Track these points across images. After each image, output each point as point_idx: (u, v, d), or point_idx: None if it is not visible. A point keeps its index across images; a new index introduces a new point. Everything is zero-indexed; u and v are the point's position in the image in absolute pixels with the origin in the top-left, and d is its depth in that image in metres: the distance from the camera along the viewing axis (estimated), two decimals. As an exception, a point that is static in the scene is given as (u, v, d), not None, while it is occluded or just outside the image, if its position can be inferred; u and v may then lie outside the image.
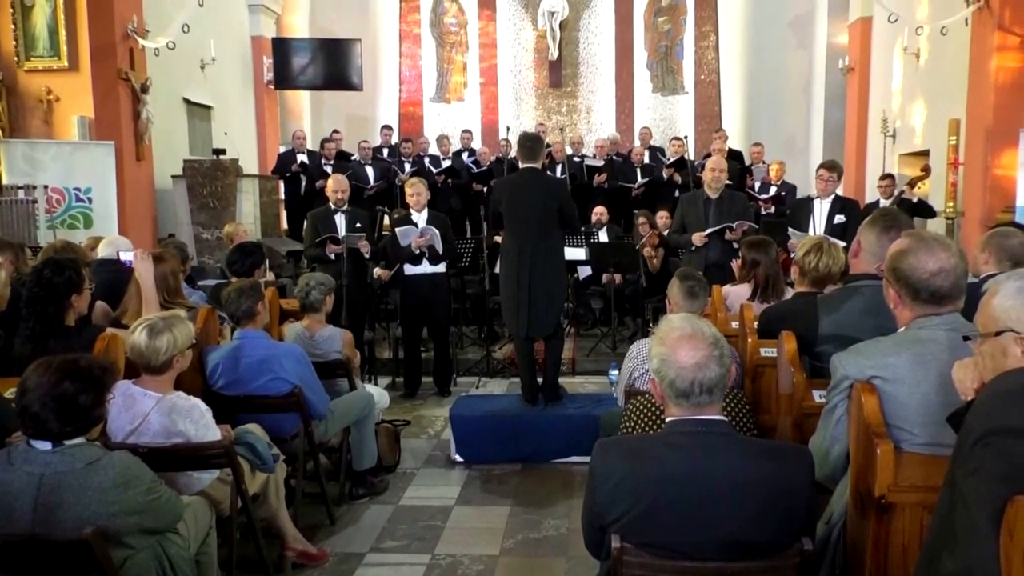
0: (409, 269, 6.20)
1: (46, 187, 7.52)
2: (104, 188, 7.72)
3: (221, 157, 8.47)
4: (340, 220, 6.12)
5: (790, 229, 5.77)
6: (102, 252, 4.90)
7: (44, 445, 2.22)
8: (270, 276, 5.47)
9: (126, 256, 4.52)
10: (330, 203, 6.24)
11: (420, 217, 6.15)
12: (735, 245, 5.54)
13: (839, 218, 5.66)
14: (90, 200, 7.69)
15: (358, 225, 6.17)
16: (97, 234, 6.30)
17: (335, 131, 10.59)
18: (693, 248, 5.77)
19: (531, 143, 5.19)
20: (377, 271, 6.51)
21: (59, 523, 2.16)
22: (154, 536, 2.41)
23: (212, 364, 3.67)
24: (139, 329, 2.91)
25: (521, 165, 5.22)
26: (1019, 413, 1.42)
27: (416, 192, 6.15)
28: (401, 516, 4.18)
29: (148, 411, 2.88)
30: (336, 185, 6.23)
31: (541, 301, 5.03)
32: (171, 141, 9.29)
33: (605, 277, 7.57)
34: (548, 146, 9.19)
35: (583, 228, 7.30)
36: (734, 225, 5.61)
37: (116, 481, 2.23)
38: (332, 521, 4.05)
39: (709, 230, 5.64)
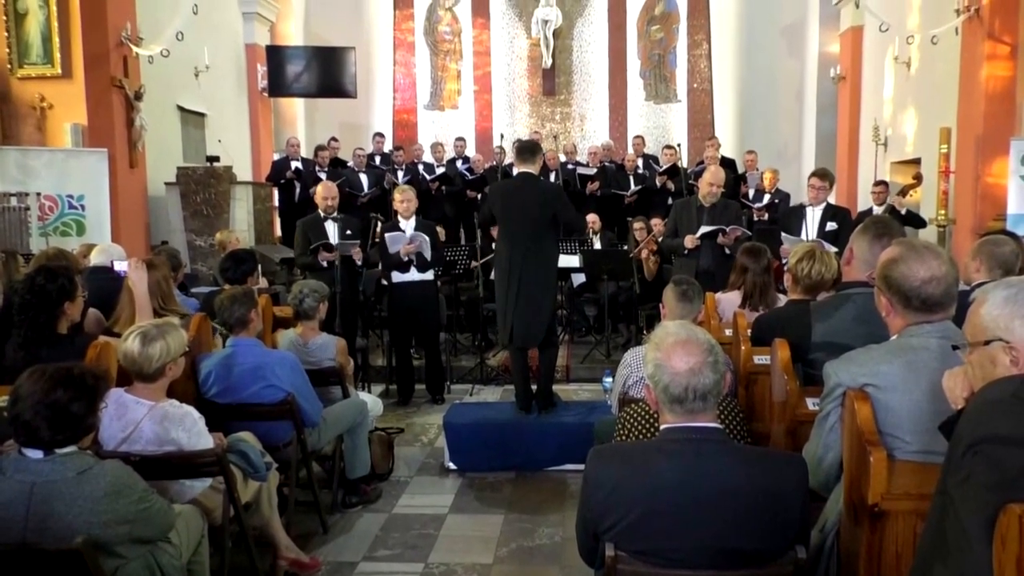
0: (397, 277, 6.18)
1: (39, 194, 7.49)
2: (97, 195, 7.70)
3: (215, 164, 8.46)
4: (331, 228, 6.10)
5: (783, 235, 5.78)
6: (95, 259, 4.88)
7: (36, 453, 2.21)
8: (263, 283, 5.45)
9: (120, 266, 4.51)
10: (319, 211, 6.23)
11: (408, 224, 6.14)
12: (727, 251, 5.57)
13: (831, 225, 5.69)
14: (83, 207, 7.67)
15: (348, 232, 6.16)
16: (90, 241, 6.27)
17: (333, 138, 10.60)
18: (685, 252, 5.78)
19: (529, 148, 5.20)
20: (355, 251, 6.20)
21: (50, 532, 2.15)
22: (146, 545, 2.40)
23: (205, 372, 3.66)
24: (132, 336, 2.91)
25: (517, 171, 5.20)
26: (1008, 422, 1.43)
27: (406, 199, 6.15)
28: (394, 524, 4.17)
29: (140, 419, 2.87)
30: (326, 192, 6.21)
31: (528, 310, 5.00)
32: (164, 148, 9.26)
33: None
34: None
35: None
36: (727, 229, 5.63)
37: (107, 490, 2.22)
38: (325, 530, 4.04)
39: (702, 229, 5.65)
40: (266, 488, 3.44)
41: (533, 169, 5.14)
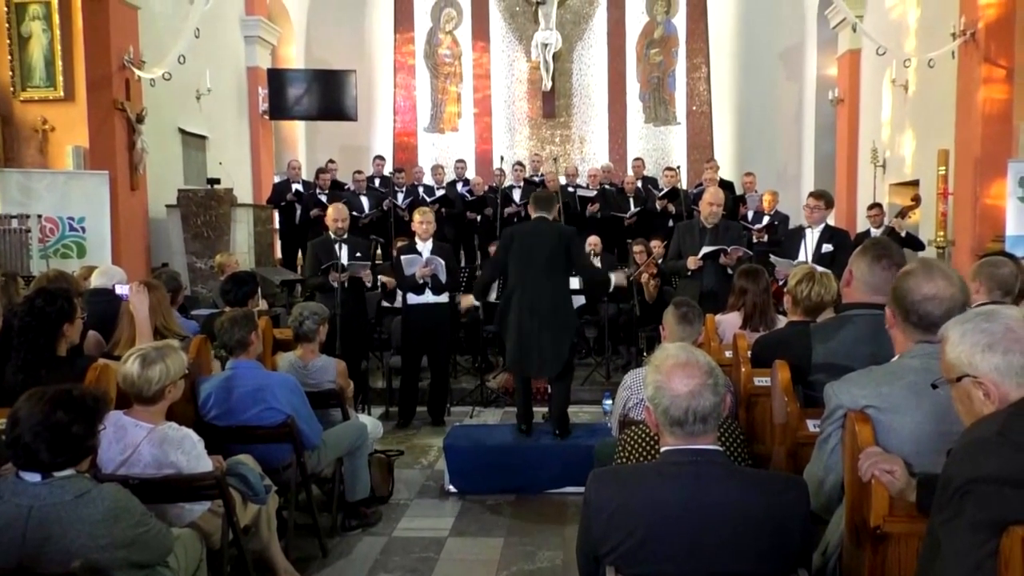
0: (412, 298, 6.22)
1: (40, 216, 7.51)
2: (98, 217, 7.72)
3: (215, 187, 8.49)
4: (341, 249, 6.13)
5: (772, 257, 5.81)
6: (95, 282, 4.88)
7: (34, 477, 2.20)
8: (263, 305, 5.45)
9: (121, 289, 4.51)
10: (330, 232, 6.26)
11: (425, 247, 6.18)
12: (729, 272, 5.58)
13: (827, 247, 5.70)
14: (84, 229, 7.68)
15: (358, 254, 6.19)
16: (90, 263, 6.27)
17: (331, 161, 10.64)
18: (688, 273, 5.80)
19: (545, 199, 5.34)
20: (383, 278, 6.49)
21: (48, 556, 2.13)
22: (144, 569, 2.38)
23: (204, 394, 3.65)
24: (131, 359, 2.90)
25: (533, 215, 5.29)
26: (996, 461, 1.45)
27: (425, 221, 6.19)
28: (394, 548, 4.14)
29: (139, 442, 2.85)
30: (336, 214, 6.25)
31: (544, 340, 5.02)
32: (166, 171, 9.30)
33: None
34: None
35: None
36: (728, 249, 5.65)
37: (105, 514, 2.20)
38: (324, 553, 4.00)
39: (704, 250, 5.68)
40: (265, 511, 3.42)
41: (548, 216, 5.24)
